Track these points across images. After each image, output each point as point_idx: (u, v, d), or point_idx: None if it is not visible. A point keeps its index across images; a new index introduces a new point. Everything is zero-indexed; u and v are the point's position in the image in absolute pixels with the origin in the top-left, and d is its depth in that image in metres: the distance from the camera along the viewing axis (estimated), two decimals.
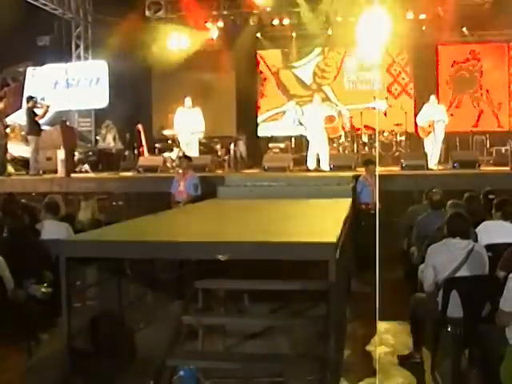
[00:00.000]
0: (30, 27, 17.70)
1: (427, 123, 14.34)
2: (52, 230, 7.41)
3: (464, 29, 18.15)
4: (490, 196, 8.24)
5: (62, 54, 19.12)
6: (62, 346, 4.99)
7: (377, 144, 15.81)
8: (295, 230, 5.67)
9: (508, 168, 13.15)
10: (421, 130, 14.71)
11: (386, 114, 17.55)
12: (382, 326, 6.96)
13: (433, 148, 14.36)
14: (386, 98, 18.47)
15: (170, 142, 16.44)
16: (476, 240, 6.18)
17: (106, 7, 18.02)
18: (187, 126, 15.14)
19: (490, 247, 6.00)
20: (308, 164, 14.58)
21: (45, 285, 6.42)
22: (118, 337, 5.68)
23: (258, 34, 19.36)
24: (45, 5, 17.38)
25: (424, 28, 18.35)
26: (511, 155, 13.19)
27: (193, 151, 15.01)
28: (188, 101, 15.24)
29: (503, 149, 15.33)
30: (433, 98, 14.66)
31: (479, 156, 15.03)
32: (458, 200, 7.46)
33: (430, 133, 14.34)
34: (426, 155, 14.29)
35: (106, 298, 6.33)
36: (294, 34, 19.20)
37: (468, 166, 13.89)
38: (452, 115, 17.74)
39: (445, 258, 5.55)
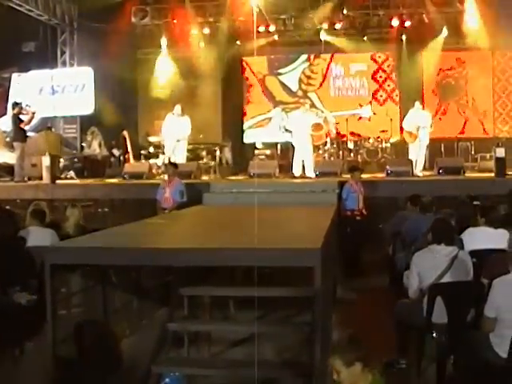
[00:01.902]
0: (15, 33, 17.62)
1: (414, 128, 14.41)
2: (37, 236, 7.36)
3: (444, 28, 18.18)
4: (475, 202, 8.30)
5: (48, 60, 19.02)
6: (46, 354, 4.96)
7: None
8: (280, 237, 5.68)
9: (492, 174, 13.22)
10: (407, 136, 14.77)
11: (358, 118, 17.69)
12: (366, 331, 6.97)
13: (418, 154, 14.45)
14: (375, 114, 18.49)
15: (155, 148, 16.42)
16: (461, 246, 6.21)
17: (92, 13, 17.97)
18: (174, 132, 15.11)
19: (474, 253, 6.04)
20: (294, 171, 14.58)
21: (29, 292, 6.38)
22: (103, 344, 5.64)
23: (243, 41, 19.33)
24: (30, 11, 17.29)
25: (409, 35, 18.45)
26: (495, 162, 13.27)
27: (180, 158, 15.00)
28: (177, 108, 15.22)
29: (488, 155, 15.44)
30: (417, 104, 14.77)
31: (464, 162, 15.13)
32: (444, 207, 7.49)
33: (416, 138, 14.41)
34: (411, 162, 14.36)
35: (91, 306, 6.30)
36: (279, 41, 19.18)
37: (453, 172, 13.98)
38: (440, 119, 17.89)
39: (429, 265, 5.58)
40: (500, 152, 13.31)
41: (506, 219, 6.85)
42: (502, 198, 9.29)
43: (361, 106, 18.40)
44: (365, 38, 18.76)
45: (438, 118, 18.22)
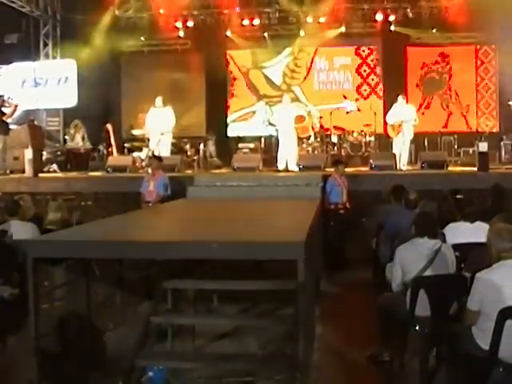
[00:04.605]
0: None
1: (397, 123, 14.45)
2: (18, 230, 7.33)
3: (434, 30, 18.32)
4: (458, 196, 8.34)
5: (30, 52, 18.91)
6: (29, 348, 4.94)
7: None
8: (264, 230, 5.68)
9: (475, 168, 13.31)
10: (390, 130, 14.82)
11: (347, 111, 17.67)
12: (350, 325, 7.01)
13: (402, 148, 14.49)
14: (357, 100, 18.49)
15: (139, 141, 16.37)
16: (444, 240, 6.24)
17: (75, 5, 17.86)
18: (157, 125, 15.06)
19: (456, 247, 6.07)
20: (278, 164, 14.61)
21: (12, 286, 6.35)
22: (86, 338, 5.63)
23: (228, 34, 19.28)
24: (12, 2, 17.17)
25: (393, 29, 18.47)
26: (478, 156, 13.35)
27: (164, 151, 14.96)
28: (159, 100, 15.17)
29: (471, 150, 15.54)
30: (400, 98, 14.78)
31: (447, 156, 15.22)
32: (427, 201, 7.52)
33: (399, 132, 14.45)
34: (394, 155, 14.41)
35: (74, 299, 6.28)
36: (264, 35, 19.14)
37: (436, 166, 14.04)
38: (423, 113, 17.94)
39: (412, 258, 5.60)
40: (483, 146, 13.41)
41: (483, 213, 6.89)
42: (485, 192, 9.36)
43: (345, 97, 18.37)
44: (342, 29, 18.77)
45: (421, 112, 18.29)
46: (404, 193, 8.39)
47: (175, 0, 18.30)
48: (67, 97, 18.42)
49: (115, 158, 15.84)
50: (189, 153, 16.77)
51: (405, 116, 14.44)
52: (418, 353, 5.43)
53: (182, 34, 18.96)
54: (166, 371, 5.18)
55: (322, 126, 17.32)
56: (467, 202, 7.01)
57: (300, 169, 14.29)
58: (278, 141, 15.18)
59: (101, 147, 17.35)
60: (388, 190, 9.13)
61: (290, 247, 4.56)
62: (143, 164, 15.25)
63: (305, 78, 19.97)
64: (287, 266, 4.70)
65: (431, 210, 6.63)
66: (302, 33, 18.71)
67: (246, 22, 18.77)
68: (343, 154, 16.56)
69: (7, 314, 6.15)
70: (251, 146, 17.88)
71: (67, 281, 6.28)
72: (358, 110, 17.61)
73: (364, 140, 16.79)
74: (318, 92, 19.78)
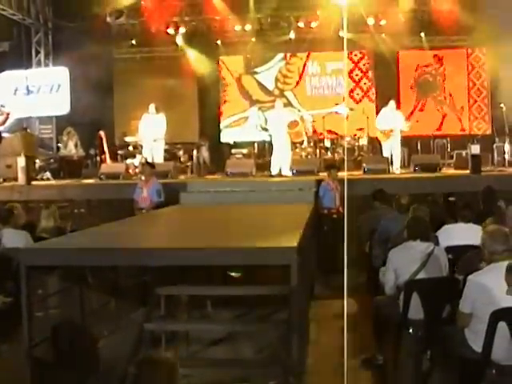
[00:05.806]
0: None
1: (387, 128, 14.48)
2: (11, 238, 7.32)
3: (422, 34, 18.40)
4: (451, 199, 8.37)
5: (22, 60, 18.90)
6: (22, 357, 4.93)
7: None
8: (257, 235, 5.68)
9: (468, 171, 13.34)
10: (380, 134, 14.85)
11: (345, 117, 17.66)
12: (343, 328, 7.01)
13: (393, 150, 14.52)
14: (352, 110, 18.43)
15: (132, 148, 16.36)
16: (437, 243, 6.26)
17: (67, 13, 17.86)
18: (150, 132, 15.08)
19: (450, 249, 6.09)
20: (272, 169, 14.61)
21: (5, 294, 6.34)
22: (80, 345, 5.62)
23: (220, 40, 19.32)
24: (3, 10, 17.15)
25: (385, 33, 18.51)
26: (471, 159, 13.39)
27: (157, 158, 14.97)
28: (152, 107, 15.20)
29: (463, 152, 15.56)
30: (392, 103, 14.81)
31: (440, 159, 15.25)
32: (419, 204, 7.53)
33: (389, 137, 14.48)
34: (387, 159, 14.43)
35: (68, 307, 6.27)
36: (255, 40, 19.17)
37: (429, 169, 14.07)
38: (417, 121, 17.91)
39: (405, 261, 5.62)
40: (475, 149, 13.45)
41: (476, 216, 6.92)
42: (478, 195, 9.39)
43: (344, 99, 18.35)
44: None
45: (416, 114, 18.34)
46: (385, 195, 8.41)
47: (167, 6, 18.31)
48: (60, 104, 18.41)
49: (108, 165, 15.83)
50: (182, 159, 16.78)
51: (395, 122, 14.47)
52: (412, 355, 5.45)
53: (174, 40, 18.97)
54: None
55: (314, 131, 17.33)
56: (465, 204, 7.03)
57: (293, 174, 14.31)
58: (271, 146, 15.19)
59: (92, 152, 17.34)
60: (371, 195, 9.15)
61: (283, 252, 4.57)
62: (136, 171, 15.24)
63: (297, 82, 19.98)
64: (281, 271, 4.72)
65: (423, 213, 6.64)
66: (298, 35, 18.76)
67: (237, 27, 18.82)
68: (336, 158, 16.57)
69: (0, 322, 6.14)
70: (244, 151, 17.91)
71: (61, 288, 6.28)
72: (346, 118, 17.59)
73: (357, 144, 16.80)
74: (311, 97, 19.79)
